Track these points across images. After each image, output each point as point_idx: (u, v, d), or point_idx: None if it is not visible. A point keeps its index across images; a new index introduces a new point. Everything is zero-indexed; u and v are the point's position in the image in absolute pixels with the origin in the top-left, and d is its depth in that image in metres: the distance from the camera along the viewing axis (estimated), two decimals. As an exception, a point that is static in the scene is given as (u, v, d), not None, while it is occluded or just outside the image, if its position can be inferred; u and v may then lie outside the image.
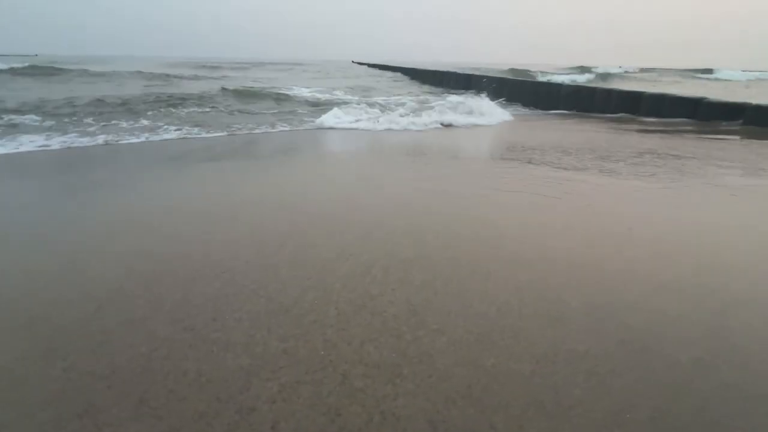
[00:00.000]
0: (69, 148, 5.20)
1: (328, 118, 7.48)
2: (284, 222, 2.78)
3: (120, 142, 5.57)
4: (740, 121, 8.32)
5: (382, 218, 2.88)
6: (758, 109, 8.20)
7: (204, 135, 6.18)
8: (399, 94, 13.63)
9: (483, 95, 9.75)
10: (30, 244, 2.43)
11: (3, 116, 6.69)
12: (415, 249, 2.38)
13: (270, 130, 6.92)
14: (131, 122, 6.83)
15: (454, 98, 9.92)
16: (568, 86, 12.66)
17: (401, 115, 7.86)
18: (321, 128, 7.16)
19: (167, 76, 16.76)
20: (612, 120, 9.07)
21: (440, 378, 1.38)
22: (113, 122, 6.74)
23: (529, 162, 4.73)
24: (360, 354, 1.50)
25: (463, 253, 2.36)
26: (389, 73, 27.38)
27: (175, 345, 1.53)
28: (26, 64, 17.82)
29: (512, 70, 25.98)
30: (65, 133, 5.84)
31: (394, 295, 1.92)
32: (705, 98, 9.09)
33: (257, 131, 6.73)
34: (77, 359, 1.44)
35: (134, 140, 5.70)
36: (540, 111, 11.20)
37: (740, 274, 2.21)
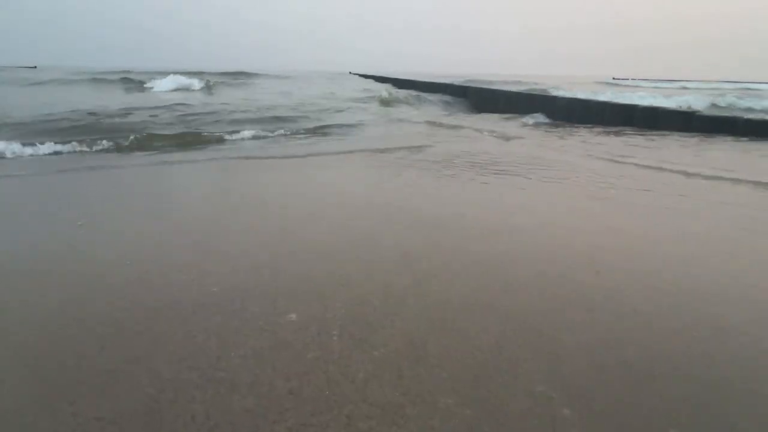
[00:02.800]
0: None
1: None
2: (279, 247, 2.82)
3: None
4: None
5: (377, 242, 2.93)
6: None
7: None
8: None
9: None
10: (30, 277, 2.44)
11: None
12: (411, 276, 2.43)
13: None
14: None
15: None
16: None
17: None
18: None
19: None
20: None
21: (442, 419, 1.43)
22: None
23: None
24: (364, 393, 1.54)
25: (456, 280, 2.41)
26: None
27: (181, 386, 1.55)
28: None
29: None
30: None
31: (393, 328, 1.96)
32: None
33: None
34: (85, 402, 1.46)
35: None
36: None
37: (742, 304, 2.28)
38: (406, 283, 2.36)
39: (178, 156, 6.04)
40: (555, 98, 12.94)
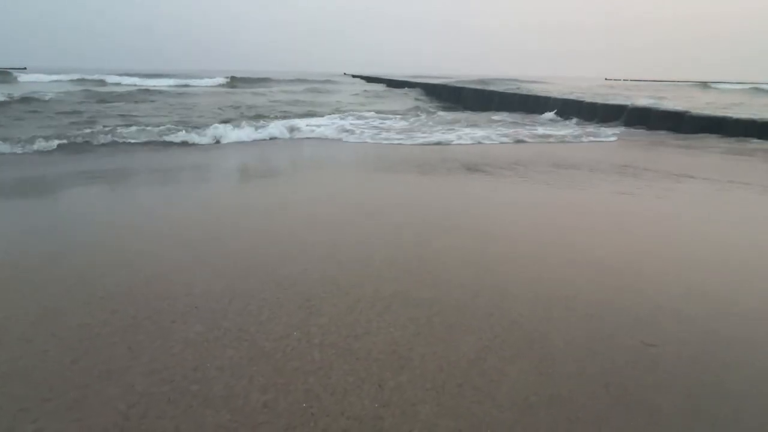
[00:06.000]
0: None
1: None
2: (265, 255, 2.76)
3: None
4: None
5: (366, 250, 2.87)
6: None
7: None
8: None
9: None
10: (4, 284, 2.37)
11: None
12: (398, 283, 2.38)
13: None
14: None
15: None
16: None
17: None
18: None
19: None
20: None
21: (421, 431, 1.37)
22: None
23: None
24: (342, 405, 1.48)
25: (445, 287, 2.36)
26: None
27: (153, 400, 1.49)
28: None
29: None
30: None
31: (378, 335, 1.91)
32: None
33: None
34: (49, 420, 1.40)
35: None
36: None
37: (733, 310, 2.24)
38: (394, 288, 2.31)
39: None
40: (548, 98, 13.09)
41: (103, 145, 6.86)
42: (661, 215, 3.79)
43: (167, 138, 7.36)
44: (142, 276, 2.45)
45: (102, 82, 23.69)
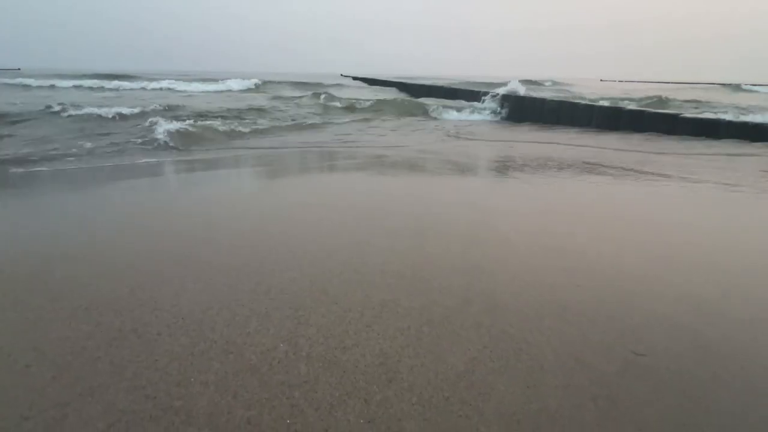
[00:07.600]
0: None
1: None
2: (254, 262, 2.73)
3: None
4: None
5: (358, 257, 2.85)
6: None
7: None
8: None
9: None
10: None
11: None
12: (389, 291, 2.36)
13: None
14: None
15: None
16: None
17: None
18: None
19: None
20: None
21: (407, 449, 1.36)
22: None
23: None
24: (327, 421, 1.46)
25: (435, 296, 2.35)
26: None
27: (134, 418, 1.47)
28: None
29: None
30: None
31: (366, 347, 1.89)
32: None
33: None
34: (28, 440, 1.37)
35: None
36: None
37: (725, 317, 2.24)
38: (385, 297, 2.29)
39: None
40: (544, 101, 13.08)
41: None
42: (655, 220, 3.79)
43: None
44: (130, 283, 2.41)
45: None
